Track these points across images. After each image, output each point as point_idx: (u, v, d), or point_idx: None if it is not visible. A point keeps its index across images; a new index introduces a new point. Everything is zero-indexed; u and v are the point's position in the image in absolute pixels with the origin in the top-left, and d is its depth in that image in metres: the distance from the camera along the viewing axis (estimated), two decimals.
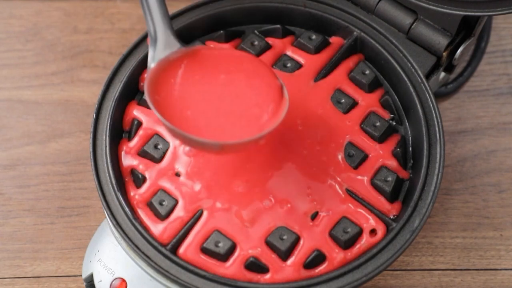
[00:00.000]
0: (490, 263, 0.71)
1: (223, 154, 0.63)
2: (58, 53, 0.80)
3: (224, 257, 0.61)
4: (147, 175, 0.64)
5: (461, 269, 0.71)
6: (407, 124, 0.67)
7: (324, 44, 0.69)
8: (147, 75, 0.59)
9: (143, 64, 0.67)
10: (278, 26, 0.70)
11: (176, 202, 0.63)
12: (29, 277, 0.71)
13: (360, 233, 0.62)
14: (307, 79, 0.67)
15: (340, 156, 0.64)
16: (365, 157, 0.65)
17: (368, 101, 0.67)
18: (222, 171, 0.63)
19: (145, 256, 0.61)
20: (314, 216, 0.63)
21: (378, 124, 0.66)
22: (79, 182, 0.74)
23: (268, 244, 0.62)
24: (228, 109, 0.59)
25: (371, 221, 0.63)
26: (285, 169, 0.64)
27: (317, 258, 0.61)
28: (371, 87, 0.68)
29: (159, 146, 0.65)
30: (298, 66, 0.68)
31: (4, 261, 0.71)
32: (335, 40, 0.70)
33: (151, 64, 0.60)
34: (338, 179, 0.64)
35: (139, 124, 0.66)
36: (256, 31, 0.70)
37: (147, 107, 0.66)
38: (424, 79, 0.66)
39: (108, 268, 0.64)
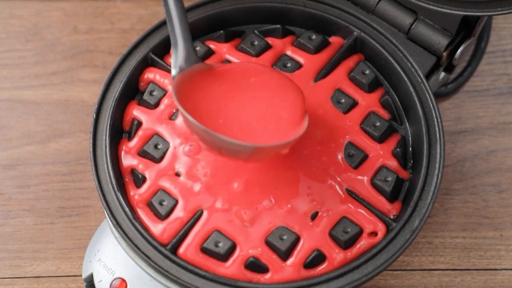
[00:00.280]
0: (490, 263, 0.71)
1: (252, 160, 0.63)
2: (58, 53, 0.80)
3: (224, 257, 0.61)
4: (147, 175, 0.64)
5: (461, 269, 0.71)
6: (407, 124, 0.67)
7: (324, 44, 0.69)
8: (171, 86, 0.60)
9: (143, 64, 0.67)
10: (278, 26, 0.70)
11: (176, 202, 0.63)
12: (29, 277, 0.71)
13: (360, 233, 0.62)
14: (307, 79, 0.67)
15: (340, 156, 0.64)
16: (365, 157, 0.65)
17: (368, 101, 0.67)
18: (222, 171, 0.63)
19: (145, 256, 0.61)
20: (314, 216, 0.63)
21: (378, 124, 0.66)
22: (79, 182, 0.74)
23: (268, 244, 0.62)
24: (257, 117, 0.60)
25: (371, 221, 0.63)
26: (285, 169, 0.64)
27: (317, 258, 0.61)
28: (371, 87, 0.68)
29: (159, 146, 0.65)
30: (298, 66, 0.68)
31: (4, 261, 0.71)
32: (335, 40, 0.69)
33: (173, 70, 0.61)
34: (338, 179, 0.64)
35: (139, 124, 0.66)
36: (256, 31, 0.70)
37: (147, 107, 0.66)
38: (424, 79, 0.66)
39: (108, 268, 0.64)
